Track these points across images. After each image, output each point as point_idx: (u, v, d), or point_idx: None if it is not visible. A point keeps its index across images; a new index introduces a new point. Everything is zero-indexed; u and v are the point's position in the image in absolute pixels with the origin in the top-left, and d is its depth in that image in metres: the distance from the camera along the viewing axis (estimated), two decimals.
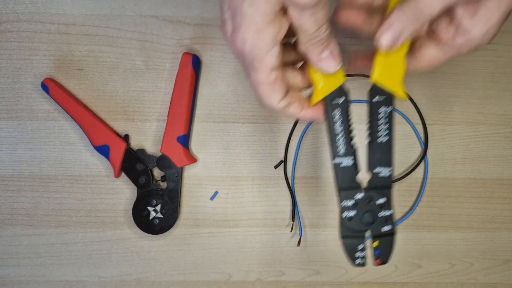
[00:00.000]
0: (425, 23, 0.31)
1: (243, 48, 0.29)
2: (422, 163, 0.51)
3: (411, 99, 0.50)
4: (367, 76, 0.34)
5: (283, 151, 0.50)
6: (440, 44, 0.34)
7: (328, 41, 0.31)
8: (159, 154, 0.49)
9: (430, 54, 0.34)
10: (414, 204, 0.51)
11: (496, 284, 0.52)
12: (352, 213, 0.35)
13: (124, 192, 0.51)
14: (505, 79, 0.50)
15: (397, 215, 0.51)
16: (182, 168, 0.49)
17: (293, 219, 0.50)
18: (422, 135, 0.50)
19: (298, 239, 0.51)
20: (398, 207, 0.51)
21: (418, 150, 0.51)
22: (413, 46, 0.35)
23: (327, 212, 0.51)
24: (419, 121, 0.51)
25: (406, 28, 0.31)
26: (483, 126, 0.51)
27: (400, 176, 0.50)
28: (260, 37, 0.29)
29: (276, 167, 0.50)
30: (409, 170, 0.51)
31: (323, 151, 0.51)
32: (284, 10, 0.29)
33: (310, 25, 0.29)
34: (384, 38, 0.31)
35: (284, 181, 0.51)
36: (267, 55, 0.29)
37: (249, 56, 0.29)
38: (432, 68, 0.35)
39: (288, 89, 0.33)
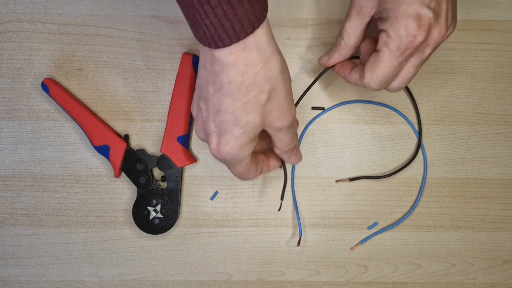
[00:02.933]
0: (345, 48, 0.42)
1: (225, 157, 0.36)
2: (422, 164, 0.51)
3: (412, 99, 0.50)
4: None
5: None
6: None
7: (296, 146, 0.42)
8: (159, 154, 0.49)
9: (368, 62, 0.39)
10: (414, 204, 0.51)
11: (496, 284, 0.52)
12: None
13: (124, 192, 0.51)
14: (505, 79, 0.50)
15: (397, 215, 0.51)
16: (182, 168, 0.49)
17: (282, 198, 0.49)
18: (416, 126, 0.51)
19: (298, 239, 0.51)
20: (398, 207, 0.51)
21: (418, 150, 0.51)
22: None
23: (327, 212, 0.51)
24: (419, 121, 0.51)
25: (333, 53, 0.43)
26: (483, 126, 0.51)
27: (395, 170, 0.50)
28: (241, 151, 0.36)
29: (281, 166, 0.50)
30: (405, 163, 0.51)
31: (323, 151, 0.51)
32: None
33: (289, 139, 0.39)
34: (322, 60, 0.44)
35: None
36: (244, 159, 0.37)
37: (230, 162, 0.37)
38: (376, 77, 0.38)
39: (257, 162, 0.41)
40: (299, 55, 0.49)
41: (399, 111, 0.50)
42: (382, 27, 0.36)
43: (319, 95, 0.50)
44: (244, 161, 0.37)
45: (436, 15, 0.35)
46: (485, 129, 0.51)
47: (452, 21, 0.37)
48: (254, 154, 0.40)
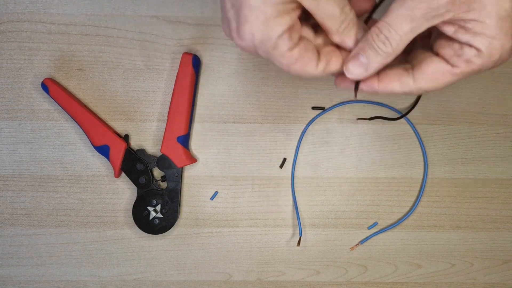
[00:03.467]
0: (392, 55, 0.29)
1: (252, 43, 0.28)
2: (422, 164, 0.51)
3: (415, 100, 0.50)
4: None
5: (283, 151, 0.50)
6: (444, 61, 0.30)
7: (357, 21, 0.30)
8: (159, 154, 0.49)
9: (434, 68, 0.30)
10: (414, 204, 0.51)
11: (496, 284, 0.52)
12: None
13: (124, 192, 0.51)
14: (505, 79, 0.50)
15: (397, 215, 0.51)
16: (182, 168, 0.49)
17: (281, 166, 0.50)
18: (417, 126, 0.51)
19: (298, 239, 0.51)
20: (398, 207, 0.51)
21: (418, 150, 0.51)
22: (415, 60, 0.32)
23: (327, 212, 0.51)
24: (419, 121, 0.51)
25: (373, 60, 0.30)
26: (483, 126, 0.51)
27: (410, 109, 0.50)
28: (269, 27, 0.27)
29: (281, 166, 0.51)
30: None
31: (323, 151, 0.51)
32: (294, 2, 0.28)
33: (333, 8, 0.28)
34: (350, 71, 0.31)
35: (284, 181, 0.51)
36: (280, 42, 0.28)
37: (262, 48, 0.28)
38: (440, 85, 0.30)
39: (318, 49, 0.31)
40: None
41: (399, 111, 0.50)
42: (472, 41, 0.28)
43: (319, 95, 0.50)
44: (282, 44, 0.28)
45: None
46: (485, 129, 0.51)
47: None
48: (315, 44, 0.31)
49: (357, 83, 0.31)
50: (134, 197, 0.50)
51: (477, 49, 0.28)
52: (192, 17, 0.49)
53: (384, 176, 0.51)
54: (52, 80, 0.48)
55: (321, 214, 0.51)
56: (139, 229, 0.50)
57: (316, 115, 0.50)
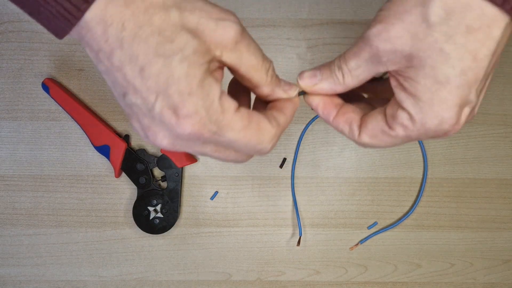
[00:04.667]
0: (342, 86, 0.29)
1: (199, 115, 0.24)
2: (422, 164, 0.51)
3: None
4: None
5: (283, 151, 0.51)
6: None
7: (270, 68, 0.28)
8: (159, 154, 0.49)
9: (374, 125, 0.28)
10: (413, 204, 0.51)
11: (495, 284, 0.52)
12: None
13: (125, 192, 0.51)
14: (504, 79, 0.50)
15: (397, 215, 0.52)
16: (182, 168, 0.50)
17: (281, 166, 0.50)
18: None
19: (298, 239, 0.51)
20: (398, 207, 0.51)
21: (418, 150, 0.51)
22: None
23: (327, 212, 0.51)
24: None
25: (324, 81, 0.29)
26: (483, 126, 0.51)
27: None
28: (207, 90, 0.24)
29: (281, 166, 0.51)
30: None
31: (323, 151, 0.51)
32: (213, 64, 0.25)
33: (256, 59, 0.27)
34: (303, 77, 0.30)
35: (284, 181, 0.51)
36: (225, 103, 0.25)
37: (210, 120, 0.24)
38: (380, 144, 0.29)
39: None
40: (299, 55, 0.49)
41: None
42: (405, 104, 0.26)
43: None
44: (227, 105, 0.25)
45: (477, 101, 0.26)
46: (485, 129, 0.51)
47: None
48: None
49: (303, 92, 0.31)
50: (134, 197, 0.50)
51: (409, 114, 0.26)
52: None
53: (384, 176, 0.51)
54: (53, 80, 0.48)
55: (321, 214, 0.51)
56: (139, 229, 0.50)
57: (316, 115, 0.50)
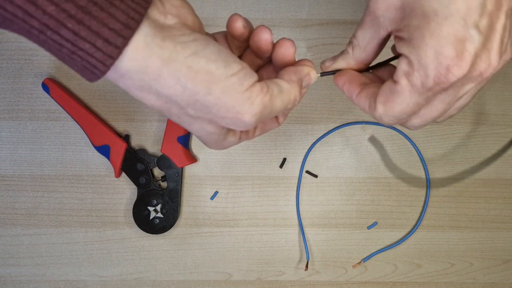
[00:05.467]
0: (352, 58, 0.31)
1: (258, 113, 0.27)
2: (422, 164, 0.51)
3: None
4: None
5: (283, 151, 0.51)
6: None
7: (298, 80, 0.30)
8: (159, 154, 0.49)
9: (383, 89, 0.28)
10: (424, 204, 0.51)
11: (495, 284, 0.52)
12: None
13: (125, 192, 0.51)
14: (504, 79, 0.50)
15: (397, 215, 0.52)
16: (182, 168, 0.50)
17: (281, 166, 0.50)
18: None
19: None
20: (398, 207, 0.51)
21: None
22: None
23: (327, 212, 0.51)
24: None
25: (339, 57, 0.32)
26: (483, 126, 0.51)
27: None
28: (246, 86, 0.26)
29: (281, 166, 0.51)
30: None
31: (323, 151, 0.51)
32: None
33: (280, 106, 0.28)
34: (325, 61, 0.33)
35: (284, 181, 0.51)
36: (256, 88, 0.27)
37: (265, 111, 0.27)
38: (393, 109, 0.28)
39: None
40: (299, 56, 0.49)
41: (400, 131, 0.50)
42: (401, 50, 0.26)
43: (319, 95, 0.50)
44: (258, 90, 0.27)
45: (486, 38, 0.24)
46: (485, 129, 0.51)
47: (510, 43, 0.26)
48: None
49: (323, 72, 0.33)
50: (135, 197, 0.50)
51: (406, 58, 0.26)
52: None
53: (384, 176, 0.51)
54: (53, 80, 0.48)
55: (321, 214, 0.51)
56: (139, 229, 0.50)
57: (333, 129, 0.50)
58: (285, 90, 0.28)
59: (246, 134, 0.32)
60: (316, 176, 0.50)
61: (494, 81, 0.50)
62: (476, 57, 0.24)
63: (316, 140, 0.51)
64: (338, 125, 0.50)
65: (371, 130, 0.51)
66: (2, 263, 0.51)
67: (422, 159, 0.51)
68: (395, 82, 0.27)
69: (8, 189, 0.50)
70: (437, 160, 0.51)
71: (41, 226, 0.51)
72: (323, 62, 0.33)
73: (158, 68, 0.23)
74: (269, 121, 0.33)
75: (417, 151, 0.51)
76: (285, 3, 0.49)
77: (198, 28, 0.27)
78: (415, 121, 0.29)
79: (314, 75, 0.31)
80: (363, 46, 0.30)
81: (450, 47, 0.24)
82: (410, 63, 0.25)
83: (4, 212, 0.51)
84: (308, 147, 0.51)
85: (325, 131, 0.51)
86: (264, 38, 0.29)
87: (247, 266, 0.52)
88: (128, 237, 0.51)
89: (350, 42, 0.30)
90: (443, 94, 0.27)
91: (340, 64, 0.32)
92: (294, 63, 0.31)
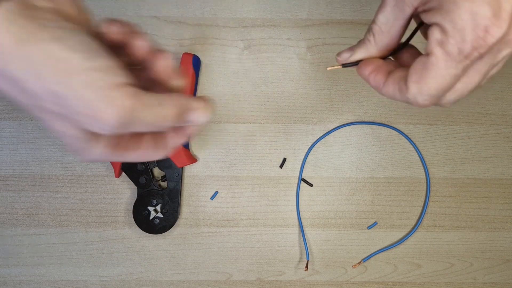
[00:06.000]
0: (374, 45, 0.29)
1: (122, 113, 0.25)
2: (421, 164, 0.51)
3: None
4: None
5: (283, 151, 0.51)
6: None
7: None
8: None
9: (415, 66, 0.27)
10: (424, 204, 0.51)
11: (495, 284, 0.52)
12: None
13: (125, 192, 0.51)
14: (504, 79, 0.50)
15: (397, 215, 0.52)
16: (182, 168, 0.50)
17: (281, 166, 0.50)
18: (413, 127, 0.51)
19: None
20: (398, 207, 0.51)
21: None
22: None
23: (327, 212, 0.51)
24: (419, 121, 0.51)
25: (357, 46, 0.31)
26: (483, 126, 0.51)
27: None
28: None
29: (281, 166, 0.51)
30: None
31: (323, 151, 0.51)
32: None
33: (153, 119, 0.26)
34: (341, 54, 0.32)
35: (284, 181, 0.51)
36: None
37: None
38: (429, 85, 0.26)
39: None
40: (299, 55, 0.49)
41: (401, 131, 0.50)
42: (432, 19, 0.25)
43: (319, 95, 0.50)
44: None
45: None
46: (485, 129, 0.51)
47: None
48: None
49: (343, 64, 0.32)
50: (135, 197, 0.50)
51: (438, 26, 0.24)
52: (192, 17, 0.49)
53: (384, 176, 0.51)
54: None
55: (321, 214, 0.51)
56: (139, 229, 0.50)
57: (335, 127, 0.50)
58: (162, 104, 0.25)
59: (111, 146, 0.27)
60: (311, 185, 0.50)
61: (494, 81, 0.50)
62: None
63: (316, 140, 0.51)
64: (338, 125, 0.51)
65: (371, 130, 0.51)
66: (2, 263, 0.51)
67: (422, 159, 0.51)
68: (427, 55, 0.25)
69: (8, 189, 0.50)
70: (437, 160, 0.51)
71: (41, 226, 0.51)
72: (339, 54, 0.31)
73: (9, 47, 0.22)
74: (134, 143, 0.29)
75: (417, 151, 0.51)
76: (285, 3, 0.49)
77: (77, 20, 0.25)
78: (451, 96, 0.27)
79: (203, 117, 0.28)
80: (387, 30, 0.28)
81: (486, 7, 0.23)
82: (443, 30, 0.24)
83: (4, 212, 0.51)
84: (308, 147, 0.51)
85: (325, 131, 0.51)
86: (139, 44, 0.27)
87: (247, 266, 0.52)
88: (128, 237, 0.51)
89: (370, 29, 0.29)
90: (479, 62, 0.25)
91: (360, 54, 0.30)
92: (171, 77, 0.28)
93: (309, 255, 0.52)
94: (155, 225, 0.50)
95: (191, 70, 0.47)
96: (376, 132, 0.51)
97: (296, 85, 0.50)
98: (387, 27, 0.28)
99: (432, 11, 0.25)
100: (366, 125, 0.51)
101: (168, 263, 0.51)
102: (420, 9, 0.26)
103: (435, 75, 0.25)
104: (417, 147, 0.51)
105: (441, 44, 0.24)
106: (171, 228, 0.50)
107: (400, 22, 0.28)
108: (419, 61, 0.26)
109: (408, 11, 0.27)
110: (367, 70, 0.30)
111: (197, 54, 0.49)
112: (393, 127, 0.51)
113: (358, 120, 0.51)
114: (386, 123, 0.51)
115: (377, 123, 0.51)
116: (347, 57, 0.31)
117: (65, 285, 0.52)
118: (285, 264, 0.52)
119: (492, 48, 0.24)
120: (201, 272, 0.52)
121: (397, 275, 0.52)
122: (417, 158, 0.51)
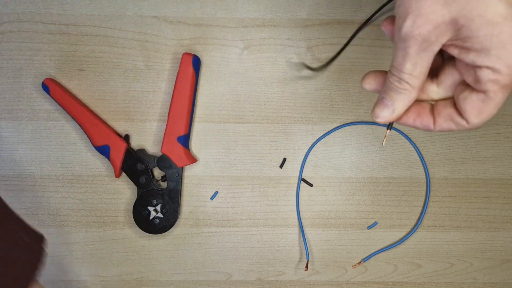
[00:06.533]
0: (413, 90, 0.29)
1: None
2: (421, 164, 0.51)
3: None
4: None
5: (283, 151, 0.51)
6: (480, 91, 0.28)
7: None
8: (159, 154, 0.49)
9: (471, 104, 0.29)
10: (424, 204, 0.51)
11: (495, 284, 0.52)
12: None
13: (125, 192, 0.51)
14: None
15: (397, 215, 0.52)
16: (182, 168, 0.50)
17: (281, 166, 0.50)
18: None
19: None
20: (398, 207, 0.51)
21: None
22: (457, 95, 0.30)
23: (327, 212, 0.51)
24: None
25: (397, 100, 0.30)
26: (483, 126, 0.51)
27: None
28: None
29: (281, 166, 0.51)
30: None
31: (323, 151, 0.51)
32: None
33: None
34: (378, 115, 0.31)
35: (284, 181, 0.51)
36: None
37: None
38: (489, 113, 0.28)
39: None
40: (299, 55, 0.49)
41: (401, 131, 0.50)
42: (480, 62, 0.26)
43: (319, 95, 0.50)
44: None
45: None
46: (485, 129, 0.51)
47: None
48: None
49: (389, 125, 0.32)
50: (135, 197, 0.50)
51: (490, 68, 0.26)
52: (192, 17, 0.49)
53: (384, 176, 0.51)
54: (53, 80, 0.48)
55: (321, 214, 0.51)
56: (139, 229, 0.50)
57: (336, 127, 0.50)
58: None
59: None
60: (311, 185, 0.50)
61: None
62: None
63: (316, 140, 0.51)
64: (338, 125, 0.51)
65: (371, 130, 0.51)
66: None
67: (422, 159, 0.51)
68: (484, 92, 0.27)
69: (8, 189, 0.50)
70: (437, 160, 0.51)
71: (41, 226, 0.51)
72: (376, 115, 0.31)
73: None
74: None
75: (417, 151, 0.51)
76: (285, 3, 0.49)
77: None
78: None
79: None
80: (418, 73, 0.28)
81: None
82: (496, 70, 0.26)
83: None
84: (308, 147, 0.51)
85: (325, 131, 0.51)
86: None
87: (247, 266, 0.52)
88: (128, 237, 0.51)
89: (400, 80, 0.29)
90: None
91: (402, 105, 0.30)
92: None
93: (309, 255, 0.52)
94: (155, 225, 0.50)
95: (191, 70, 0.47)
96: (376, 132, 0.51)
97: (296, 85, 0.50)
98: (417, 72, 0.28)
99: (475, 52, 0.26)
100: (366, 125, 0.51)
101: (168, 263, 0.51)
102: (449, 43, 0.27)
103: (495, 104, 0.28)
104: (417, 147, 0.51)
105: (497, 82, 0.26)
106: (171, 228, 0.50)
107: (429, 61, 0.28)
108: (475, 99, 0.28)
109: (436, 49, 0.28)
110: (411, 118, 0.31)
111: (197, 54, 0.49)
112: (393, 127, 0.51)
113: (358, 120, 0.51)
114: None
115: (377, 123, 0.51)
116: (390, 115, 0.31)
117: (65, 285, 0.52)
118: (285, 264, 0.52)
119: None
120: (201, 272, 0.52)
121: (397, 275, 0.52)
122: (417, 158, 0.51)
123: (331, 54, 0.49)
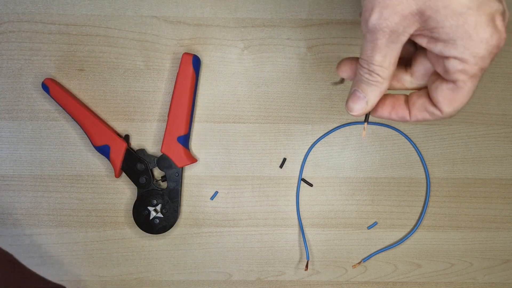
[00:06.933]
0: (384, 81, 0.30)
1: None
2: (421, 164, 0.51)
3: None
4: None
5: (283, 151, 0.51)
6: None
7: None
8: (159, 154, 0.49)
9: (442, 93, 0.29)
10: (424, 204, 0.51)
11: (495, 284, 0.52)
12: None
13: (125, 192, 0.51)
14: (504, 79, 0.50)
15: (397, 215, 0.52)
16: (182, 168, 0.50)
17: (281, 166, 0.50)
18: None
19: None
20: (398, 207, 0.51)
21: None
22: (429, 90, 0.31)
23: (327, 212, 0.51)
24: None
25: (369, 92, 0.31)
26: (483, 126, 0.51)
27: None
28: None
29: (281, 166, 0.51)
30: None
31: (323, 151, 0.51)
32: None
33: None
34: (351, 107, 0.32)
35: (284, 181, 0.51)
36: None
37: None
38: (461, 102, 0.29)
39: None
40: (299, 56, 0.49)
41: (401, 131, 0.50)
42: (447, 53, 0.27)
43: (319, 95, 0.50)
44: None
45: (503, 6, 0.26)
46: (485, 129, 0.51)
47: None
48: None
49: (366, 118, 0.33)
50: (135, 197, 0.50)
51: (457, 58, 0.27)
52: (192, 17, 0.49)
53: (384, 176, 0.51)
54: (53, 80, 0.48)
55: (321, 214, 0.51)
56: (139, 229, 0.50)
57: (334, 128, 0.50)
58: None
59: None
60: (311, 185, 0.50)
61: (494, 81, 0.50)
62: (503, 22, 0.26)
63: (316, 140, 0.51)
64: (338, 125, 0.51)
65: (371, 130, 0.51)
66: None
67: (422, 159, 0.51)
68: (453, 81, 0.28)
69: (8, 189, 0.50)
70: (437, 160, 0.51)
71: (41, 226, 0.51)
72: (350, 109, 0.32)
73: None
74: None
75: (417, 151, 0.51)
76: (285, 3, 0.49)
77: None
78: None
79: None
80: (388, 64, 0.29)
81: (491, 29, 0.25)
82: (463, 60, 0.27)
83: (4, 212, 0.51)
84: (308, 147, 0.51)
85: (325, 131, 0.51)
86: None
87: (247, 266, 0.52)
88: (128, 237, 0.51)
89: (370, 71, 0.29)
90: None
91: (375, 96, 0.31)
92: None
93: (309, 255, 0.52)
94: (155, 225, 0.50)
95: (191, 70, 0.47)
96: (376, 132, 0.51)
97: (296, 85, 0.50)
98: (387, 62, 0.29)
99: (442, 43, 0.27)
100: (366, 126, 0.51)
101: (168, 263, 0.51)
102: (417, 33, 0.28)
103: (465, 93, 0.28)
104: (417, 147, 0.51)
105: (464, 72, 0.27)
106: (171, 228, 0.50)
107: (398, 51, 0.29)
108: (446, 88, 0.29)
109: (404, 39, 0.28)
110: (386, 111, 0.32)
111: (197, 54, 0.49)
112: (393, 127, 0.51)
113: (358, 120, 0.51)
114: (386, 123, 0.51)
115: (377, 123, 0.51)
116: (364, 107, 0.31)
117: (65, 285, 0.51)
118: (285, 264, 0.52)
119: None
120: (201, 272, 0.52)
121: (397, 275, 0.52)
122: (417, 158, 0.51)
123: (331, 54, 0.49)
